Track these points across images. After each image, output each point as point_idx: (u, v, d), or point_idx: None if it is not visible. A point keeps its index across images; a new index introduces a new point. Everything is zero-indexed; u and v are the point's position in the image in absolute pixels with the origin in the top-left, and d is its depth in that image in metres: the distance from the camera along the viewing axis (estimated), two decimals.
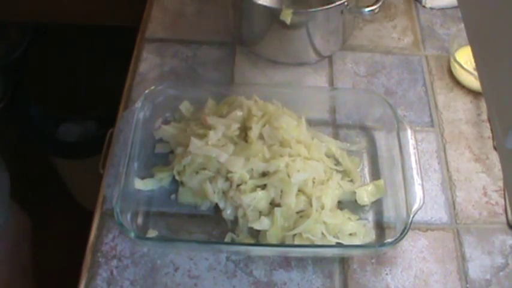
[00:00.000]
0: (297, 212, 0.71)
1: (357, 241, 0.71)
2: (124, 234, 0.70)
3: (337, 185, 0.74)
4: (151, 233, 0.71)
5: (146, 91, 0.78)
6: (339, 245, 0.69)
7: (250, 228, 0.71)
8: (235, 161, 0.72)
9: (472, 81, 0.87)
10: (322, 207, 0.71)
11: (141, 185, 0.75)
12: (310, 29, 0.86)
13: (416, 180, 0.70)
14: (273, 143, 0.75)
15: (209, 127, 0.75)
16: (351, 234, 0.71)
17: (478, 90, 0.88)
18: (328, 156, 0.78)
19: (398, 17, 1.00)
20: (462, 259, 0.72)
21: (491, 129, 0.81)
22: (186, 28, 0.96)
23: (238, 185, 0.72)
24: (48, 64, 1.41)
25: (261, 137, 0.76)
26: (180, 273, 0.70)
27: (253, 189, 0.71)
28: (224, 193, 0.73)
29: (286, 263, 0.71)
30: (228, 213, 0.73)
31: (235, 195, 0.71)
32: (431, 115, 0.86)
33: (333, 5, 0.83)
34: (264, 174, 0.74)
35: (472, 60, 0.82)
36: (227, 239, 0.71)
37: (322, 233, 0.69)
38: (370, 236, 0.72)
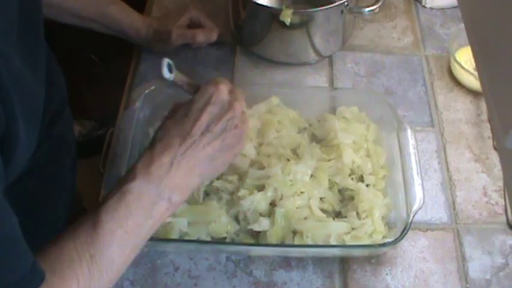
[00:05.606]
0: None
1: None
2: None
3: None
4: None
5: (146, 91, 0.78)
6: (339, 245, 0.69)
7: (251, 229, 0.70)
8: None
9: (472, 81, 0.87)
10: None
11: None
12: (310, 29, 0.86)
13: (416, 180, 0.70)
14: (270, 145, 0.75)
15: None
16: None
17: (478, 90, 0.88)
18: None
19: (398, 17, 1.00)
20: (462, 259, 0.72)
21: (491, 129, 0.81)
22: None
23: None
24: None
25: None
26: (180, 273, 0.70)
27: (251, 192, 0.70)
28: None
29: (286, 263, 0.71)
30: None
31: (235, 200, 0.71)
32: (431, 115, 0.86)
33: (333, 5, 0.83)
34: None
35: (472, 60, 0.81)
36: (227, 239, 0.71)
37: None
38: None
